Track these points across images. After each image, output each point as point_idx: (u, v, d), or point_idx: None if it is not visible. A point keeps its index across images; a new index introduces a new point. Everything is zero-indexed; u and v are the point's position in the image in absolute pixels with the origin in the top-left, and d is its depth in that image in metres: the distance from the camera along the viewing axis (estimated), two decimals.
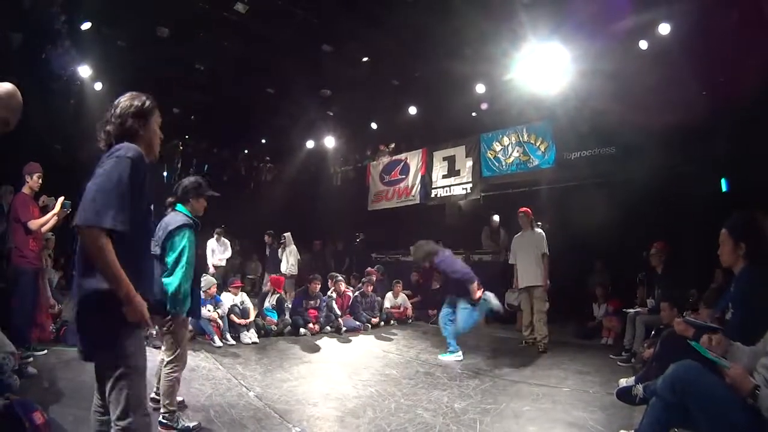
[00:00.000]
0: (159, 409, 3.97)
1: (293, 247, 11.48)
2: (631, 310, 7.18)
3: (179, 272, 3.71)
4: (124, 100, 2.58)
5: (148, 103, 2.63)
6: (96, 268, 2.25)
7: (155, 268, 3.64)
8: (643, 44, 8.51)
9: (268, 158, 18.21)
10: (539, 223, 8.29)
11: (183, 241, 3.79)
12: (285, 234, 11.55)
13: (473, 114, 12.52)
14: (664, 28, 8.16)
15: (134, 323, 2.35)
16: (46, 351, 5.90)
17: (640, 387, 3.89)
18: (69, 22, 8.99)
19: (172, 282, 3.67)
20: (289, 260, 11.31)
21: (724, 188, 8.38)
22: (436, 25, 9.12)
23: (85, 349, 2.41)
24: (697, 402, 2.61)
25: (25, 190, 5.55)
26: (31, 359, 5.38)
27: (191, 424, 3.97)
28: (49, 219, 5.53)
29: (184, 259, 3.75)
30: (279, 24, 9.46)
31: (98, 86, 10.92)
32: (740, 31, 7.10)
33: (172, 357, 3.99)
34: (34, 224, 5.42)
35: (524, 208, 8.14)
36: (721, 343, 2.72)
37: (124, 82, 11.04)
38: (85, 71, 10.42)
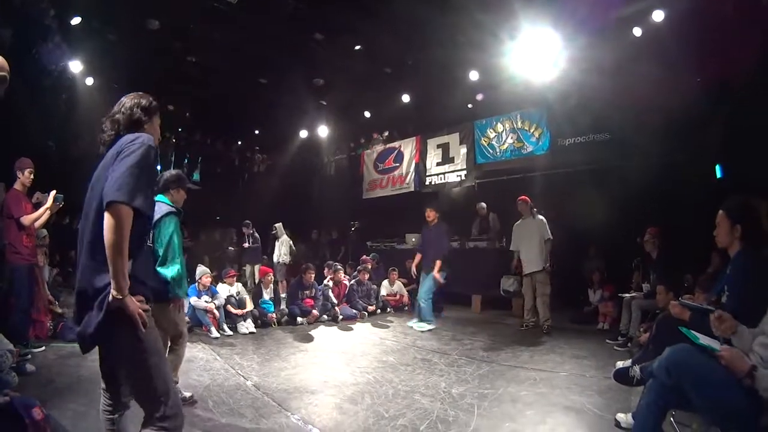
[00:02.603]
0: None
1: (285, 237, 11.50)
2: (627, 295, 7.23)
3: (174, 258, 3.85)
4: (133, 97, 2.66)
5: (153, 103, 2.71)
6: (106, 242, 2.18)
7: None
8: (637, 31, 8.50)
9: (257, 148, 18.11)
10: (535, 209, 8.32)
11: (170, 228, 3.91)
12: (276, 224, 11.56)
13: (469, 106, 12.49)
14: (658, 15, 8.16)
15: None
16: (43, 348, 5.87)
17: (637, 368, 3.91)
18: (59, 17, 8.90)
19: (170, 269, 3.81)
20: (281, 250, 11.32)
21: (718, 174, 8.39)
22: (428, 13, 9.04)
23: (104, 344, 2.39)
24: (694, 384, 2.62)
25: (17, 186, 5.51)
26: (29, 356, 5.36)
27: (186, 394, 4.17)
28: (42, 213, 5.50)
29: (174, 245, 3.89)
30: (270, 13, 9.37)
31: (89, 81, 10.83)
32: (734, 18, 7.09)
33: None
34: (27, 219, 5.39)
35: (523, 197, 8.20)
36: (729, 323, 2.72)
37: (115, 77, 11.01)
38: (76, 66, 10.33)
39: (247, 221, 12.57)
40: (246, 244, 12.67)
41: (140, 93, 2.70)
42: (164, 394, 2.31)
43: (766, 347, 2.56)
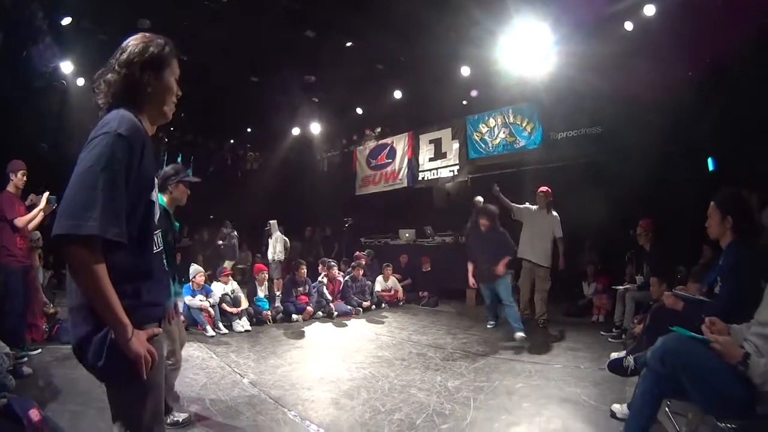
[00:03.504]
0: None
1: (279, 234, 11.50)
2: (621, 287, 7.26)
3: None
4: (135, 43, 1.96)
5: (166, 48, 2.00)
6: (80, 291, 1.71)
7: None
8: (629, 25, 8.51)
9: (249, 146, 18.06)
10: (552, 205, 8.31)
11: None
12: (270, 221, 11.56)
13: (464, 102, 12.50)
14: (650, 10, 8.16)
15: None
16: (39, 350, 5.85)
17: (631, 359, 3.94)
18: (49, 18, 8.84)
19: None
20: (276, 247, 11.33)
21: (710, 167, 8.44)
22: (419, 8, 9.03)
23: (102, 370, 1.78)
24: (687, 373, 2.64)
25: (10, 188, 5.50)
26: (26, 359, 5.36)
27: (180, 418, 3.96)
28: (36, 215, 5.49)
29: None
30: (261, 10, 9.34)
31: (81, 82, 10.77)
32: (726, 12, 7.11)
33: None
34: (20, 221, 5.37)
35: (545, 188, 8.03)
36: (721, 326, 2.75)
37: None
38: (67, 67, 10.25)
39: (227, 221, 12.90)
40: (220, 242, 13.09)
41: (148, 35, 2.02)
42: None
43: (760, 336, 2.59)
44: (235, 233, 13.15)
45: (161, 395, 2.01)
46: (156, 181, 2.04)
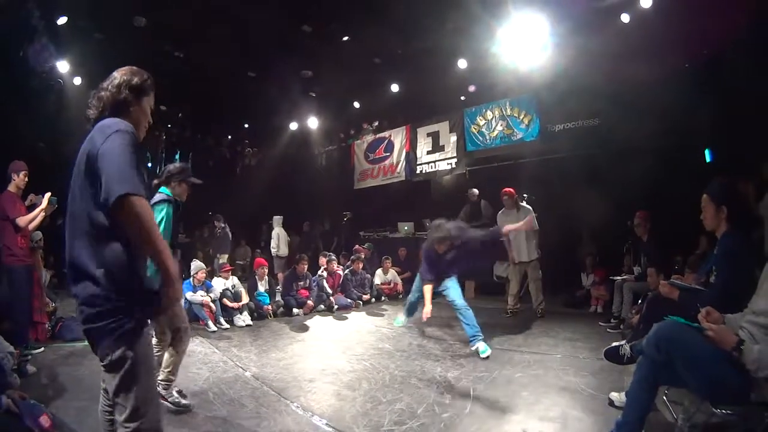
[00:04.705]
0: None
1: (278, 230, 11.59)
2: (618, 278, 7.31)
3: None
4: (124, 72, 2.48)
5: (148, 81, 2.53)
6: (140, 238, 2.09)
7: None
8: (625, 18, 8.51)
9: (247, 142, 18.06)
10: (525, 195, 8.37)
11: (160, 215, 3.86)
12: (275, 217, 11.69)
13: (462, 98, 12.51)
14: (646, 1, 8.15)
15: (145, 321, 2.24)
16: (43, 348, 5.90)
17: (627, 347, 3.98)
18: (45, 18, 8.83)
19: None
20: (278, 243, 11.43)
21: (707, 158, 8.47)
22: (416, 1, 9.04)
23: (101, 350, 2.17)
24: (682, 358, 2.68)
25: (11, 188, 5.51)
26: (29, 357, 5.39)
27: (183, 401, 4.07)
28: (37, 215, 5.50)
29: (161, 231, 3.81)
30: (257, 5, 9.33)
31: (77, 81, 10.77)
32: (722, 3, 7.12)
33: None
34: (22, 221, 5.39)
35: (508, 189, 8.14)
36: (716, 315, 2.78)
37: (103, 76, 10.93)
38: (63, 66, 10.24)
39: (219, 215, 12.89)
40: (218, 230, 13.06)
41: (134, 68, 2.53)
42: (144, 404, 2.17)
43: (754, 324, 2.63)
44: (227, 227, 13.14)
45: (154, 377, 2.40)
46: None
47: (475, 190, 11.22)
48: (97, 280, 2.10)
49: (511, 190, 8.17)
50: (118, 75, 2.45)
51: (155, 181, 4.22)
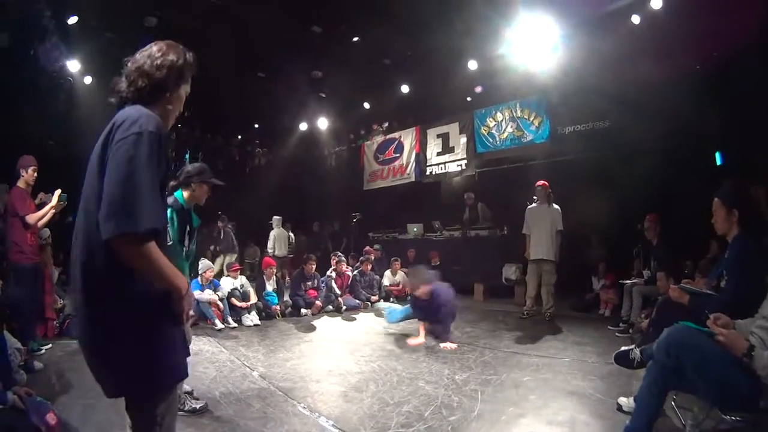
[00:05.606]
0: None
1: (278, 230, 11.66)
2: (628, 282, 7.26)
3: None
4: (165, 49, 2.05)
5: (191, 62, 2.12)
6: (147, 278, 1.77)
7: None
8: (636, 19, 8.47)
9: (257, 142, 18.11)
10: (552, 197, 8.34)
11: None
12: (275, 217, 11.78)
13: (468, 99, 12.51)
14: (656, 3, 8.12)
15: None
16: (50, 345, 5.91)
17: (637, 351, 3.96)
18: (55, 17, 8.90)
19: None
20: (275, 244, 11.54)
21: (718, 161, 8.40)
22: (426, 3, 9.04)
23: (116, 384, 1.89)
24: (692, 364, 2.66)
25: (21, 184, 5.46)
26: (42, 352, 5.42)
27: (197, 405, 4.02)
28: (47, 212, 5.48)
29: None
30: (268, 6, 9.36)
31: (88, 80, 10.85)
32: (732, 4, 7.07)
33: None
34: (32, 218, 5.37)
35: (542, 182, 8.13)
36: (726, 320, 2.76)
37: (113, 75, 11.00)
38: (74, 66, 10.32)
39: (223, 216, 13.13)
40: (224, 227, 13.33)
41: (176, 45, 2.10)
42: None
43: (765, 330, 2.61)
44: (231, 228, 13.35)
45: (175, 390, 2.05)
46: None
47: (472, 194, 11.24)
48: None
49: (546, 182, 8.12)
50: (158, 52, 2.03)
51: (172, 183, 4.02)
